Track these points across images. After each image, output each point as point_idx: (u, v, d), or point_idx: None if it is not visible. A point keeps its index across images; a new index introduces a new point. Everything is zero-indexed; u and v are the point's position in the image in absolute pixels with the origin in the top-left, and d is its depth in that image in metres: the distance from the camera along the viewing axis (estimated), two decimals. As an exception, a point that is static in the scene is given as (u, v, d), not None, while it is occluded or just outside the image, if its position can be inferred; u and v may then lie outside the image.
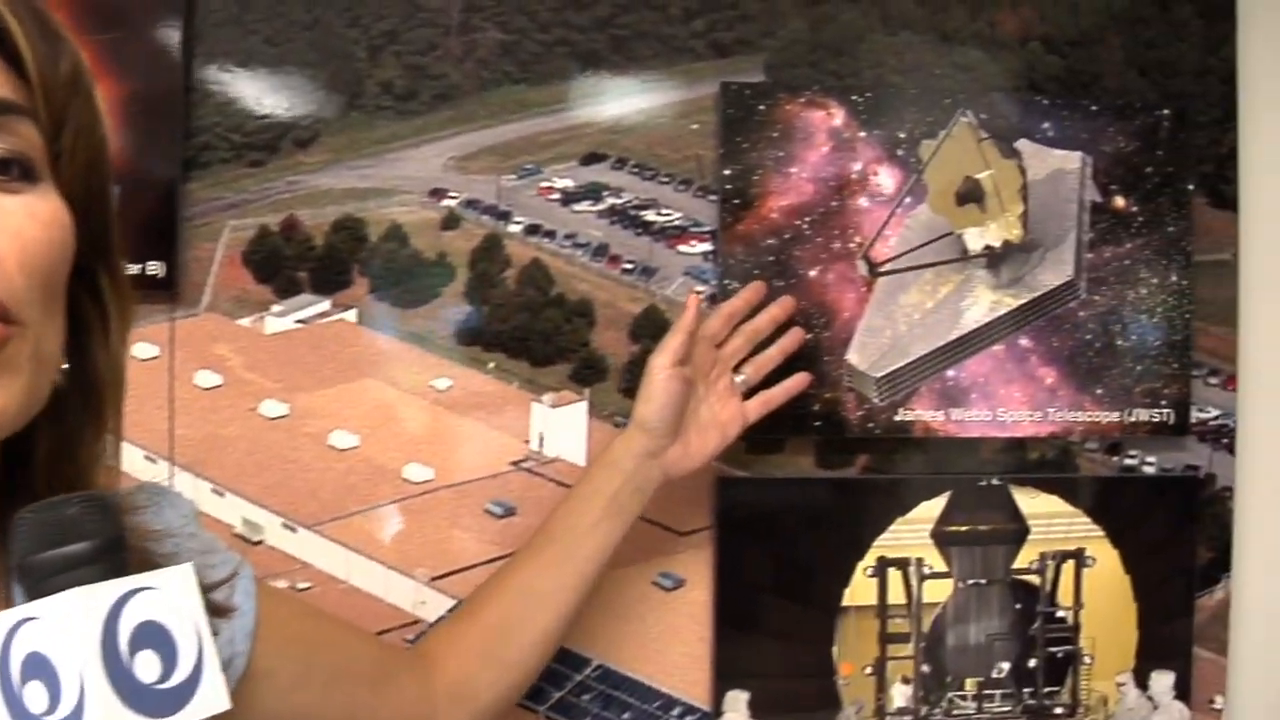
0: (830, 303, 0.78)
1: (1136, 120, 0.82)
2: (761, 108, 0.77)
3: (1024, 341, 0.80)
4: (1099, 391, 0.81)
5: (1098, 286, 0.82)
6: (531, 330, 0.75)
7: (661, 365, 0.62)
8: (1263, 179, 0.86)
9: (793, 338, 0.73)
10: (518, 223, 0.76)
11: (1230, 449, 0.86)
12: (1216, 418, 0.85)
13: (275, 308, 0.70)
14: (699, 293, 0.73)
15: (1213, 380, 0.86)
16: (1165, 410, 0.82)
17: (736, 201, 0.76)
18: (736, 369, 0.69)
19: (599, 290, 0.77)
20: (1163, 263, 0.82)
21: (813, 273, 0.77)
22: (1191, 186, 0.83)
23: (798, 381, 0.72)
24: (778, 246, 0.77)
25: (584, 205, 0.77)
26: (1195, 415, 0.84)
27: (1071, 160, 0.81)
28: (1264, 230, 0.86)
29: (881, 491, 0.79)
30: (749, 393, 0.69)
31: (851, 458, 0.80)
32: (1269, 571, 0.85)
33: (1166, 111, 0.82)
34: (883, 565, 0.77)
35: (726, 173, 0.76)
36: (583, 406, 0.74)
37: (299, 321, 0.70)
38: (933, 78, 0.81)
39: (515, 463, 0.73)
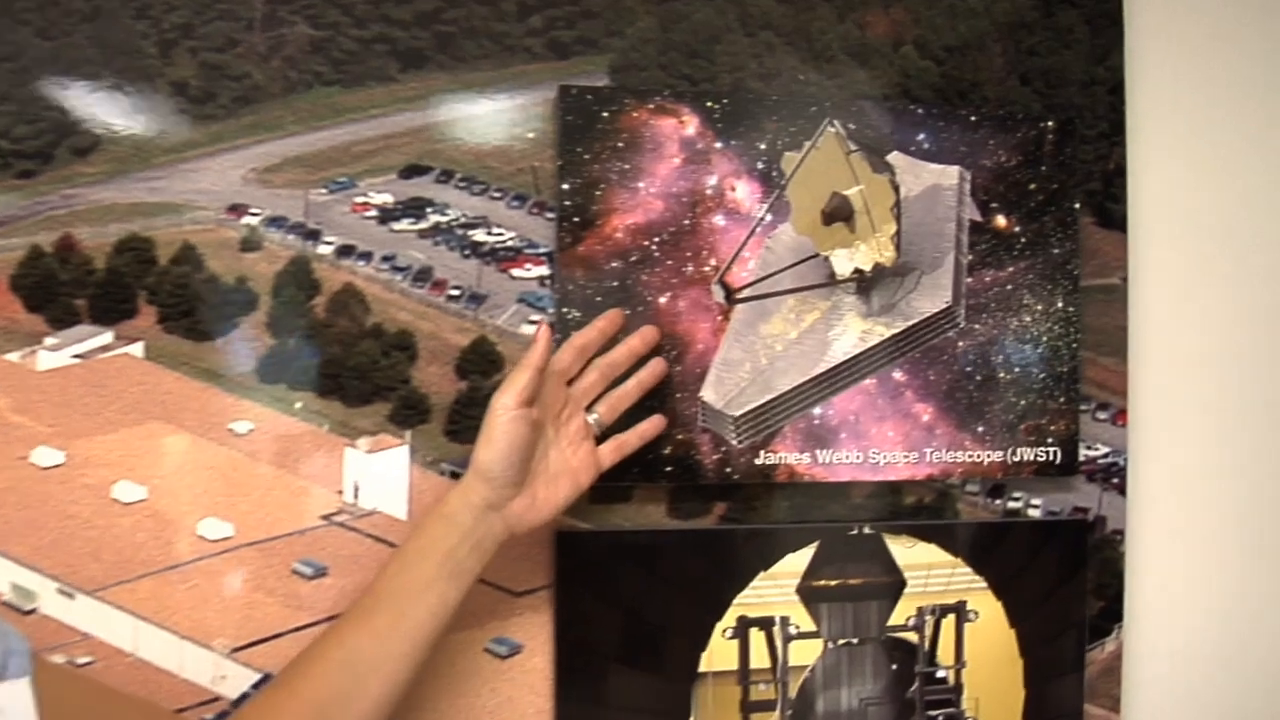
0: (682, 333, 0.81)
1: (1019, 132, 0.89)
2: (605, 114, 0.80)
3: (898, 375, 0.86)
4: (980, 429, 0.88)
5: (978, 314, 0.88)
6: (344, 365, 0.78)
7: (506, 405, 0.65)
8: (1152, 197, 0.93)
9: (652, 371, 0.76)
10: (328, 243, 0.79)
11: (1121, 489, 0.93)
12: (1106, 455, 0.93)
13: (49, 340, 0.71)
14: (548, 323, 0.75)
15: (1101, 415, 0.94)
16: (1051, 448, 0.91)
17: (576, 220, 0.80)
18: (589, 408, 0.73)
19: (421, 320, 0.80)
20: (1048, 287, 0.90)
21: (662, 299, 0.81)
22: (1078, 205, 0.90)
23: (654, 425, 0.76)
24: (623, 270, 0.81)
25: (404, 223, 0.81)
26: (1084, 453, 0.91)
27: (949, 175, 0.87)
28: (1154, 252, 0.93)
29: (741, 543, 0.83)
30: (603, 435, 0.73)
31: (707, 506, 0.84)
32: (1163, 621, 0.91)
33: (1051, 123, 0.90)
34: (744, 625, 0.82)
35: (565, 187, 0.80)
36: (403, 452, 0.79)
37: (76, 356, 0.72)
38: (796, 83, 0.86)
39: (327, 517, 0.77)
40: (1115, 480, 0.93)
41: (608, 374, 0.74)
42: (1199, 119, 0.97)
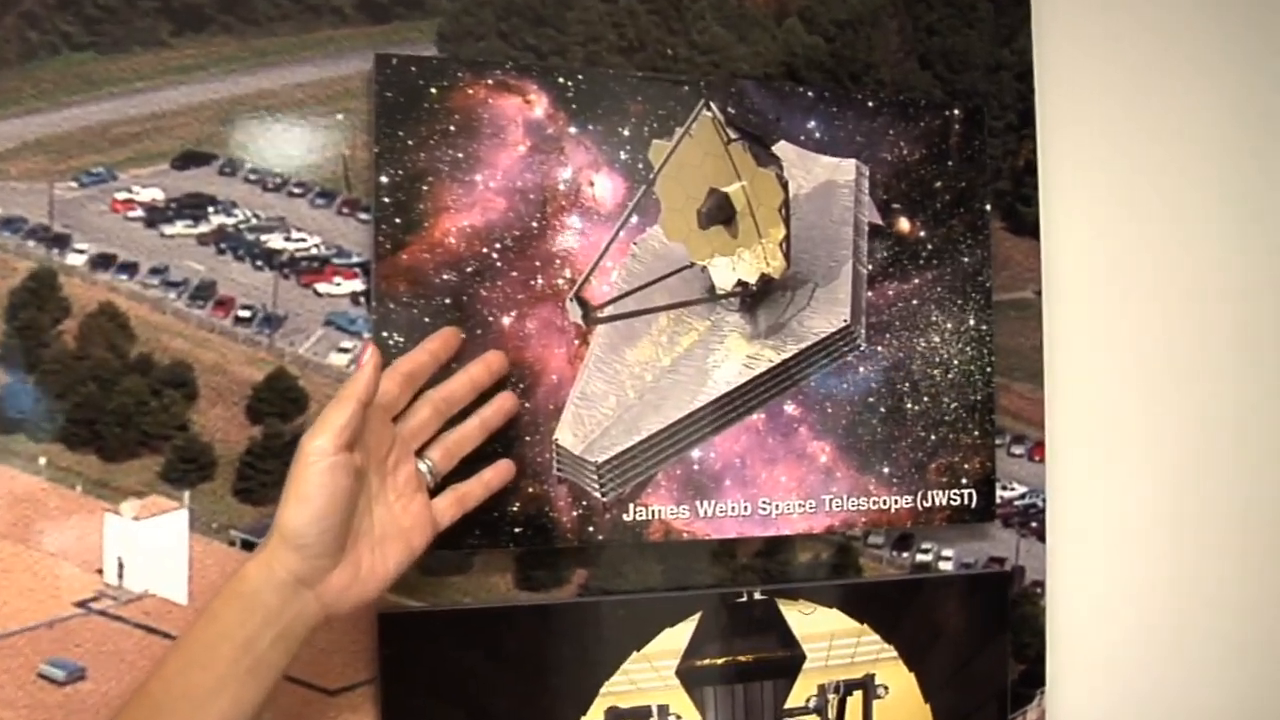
0: (531, 361, 0.88)
1: (921, 121, 1.04)
2: (433, 91, 0.87)
3: (790, 408, 0.97)
4: (885, 470, 1.01)
5: (880, 334, 1.01)
6: (102, 409, 0.81)
7: (322, 449, 0.67)
8: (1066, 198, 1.09)
9: (499, 408, 0.83)
10: (80, 251, 0.82)
11: (1041, 534, 1.09)
12: (1024, 496, 1.09)
13: None
14: (373, 343, 0.77)
15: (1017, 450, 1.10)
16: (965, 490, 1.05)
17: (398, 221, 0.86)
18: (420, 453, 0.77)
19: (202, 349, 0.84)
20: (958, 302, 1.05)
21: (506, 320, 0.88)
22: (989, 207, 1.06)
23: (500, 472, 0.82)
24: (457, 283, 0.87)
25: (179, 226, 0.84)
26: (999, 494, 1.06)
27: (844, 170, 1.01)
28: (1068, 261, 1.08)
29: (608, 618, 0.91)
30: (439, 486, 0.78)
31: (565, 574, 0.92)
32: (1089, 683, 1.06)
33: (957, 112, 1.06)
34: (614, 719, 0.90)
35: (384, 181, 0.85)
36: (180, 518, 0.83)
37: None
38: (665, 59, 0.96)
39: (83, 603, 0.80)
40: (1034, 524, 1.09)
41: (443, 410, 0.79)
42: (1116, 109, 1.13)
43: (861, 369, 1.04)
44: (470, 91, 0.92)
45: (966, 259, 1.08)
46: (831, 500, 1.03)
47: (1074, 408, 1.14)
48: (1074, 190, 1.14)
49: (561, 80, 0.94)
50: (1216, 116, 1.20)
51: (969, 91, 1.10)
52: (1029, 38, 1.11)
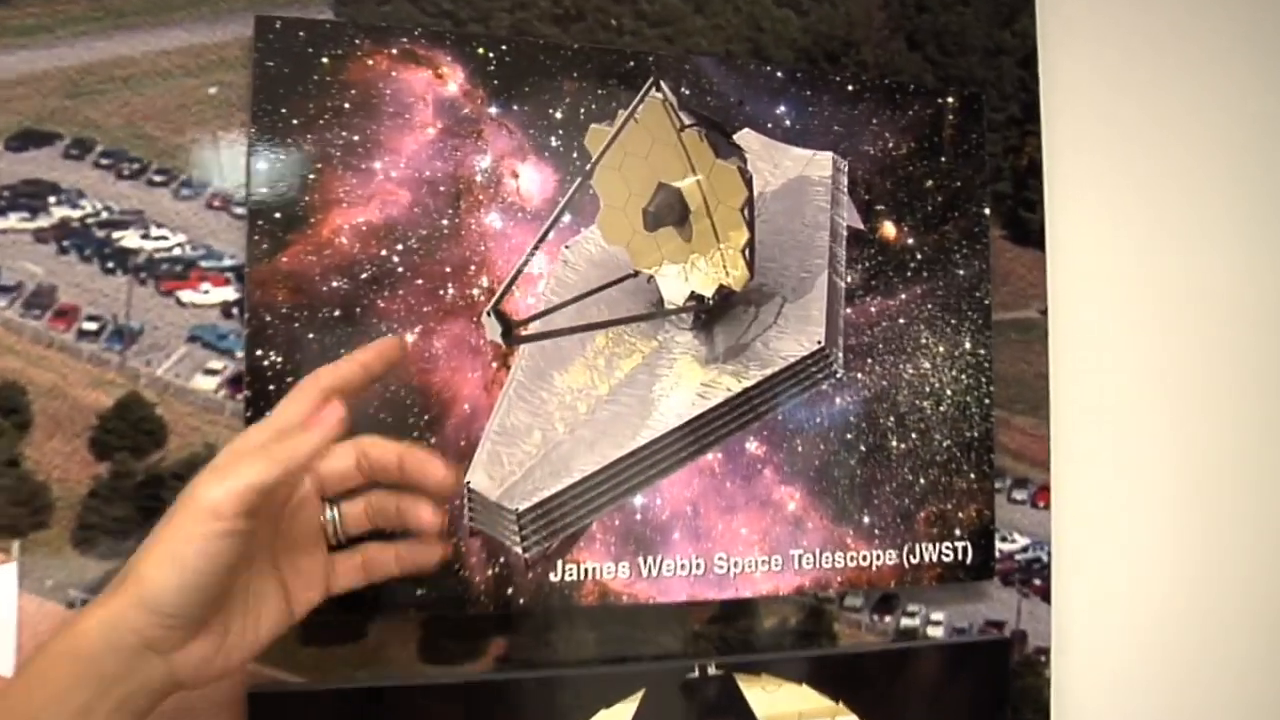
0: (439, 388, 0.82)
1: (910, 110, 0.97)
2: (325, 61, 0.80)
3: (752, 446, 0.90)
4: (866, 520, 0.92)
5: (861, 358, 0.94)
6: None
7: (218, 512, 0.57)
8: (1075, 203, 1.01)
9: (427, 469, 0.65)
10: None
11: (1045, 594, 1.01)
12: (1026, 549, 1.01)
13: None
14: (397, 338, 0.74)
15: (1019, 495, 1.02)
16: (959, 543, 0.97)
17: (279, 217, 0.79)
18: (330, 499, 0.67)
19: (37, 367, 0.77)
20: (952, 322, 0.97)
21: (409, 337, 0.82)
22: (987, 211, 1.00)
23: (422, 553, 0.69)
24: (350, 293, 0.80)
25: (13, 219, 0.78)
26: (998, 547, 0.98)
27: (819, 164, 0.93)
28: (1079, 276, 1.01)
29: (531, 698, 0.83)
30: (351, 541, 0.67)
31: (480, 645, 0.84)
32: None
33: (950, 100, 0.99)
34: None
35: (263, 168, 0.79)
36: (8, 573, 0.76)
37: None
38: (608, 30, 0.90)
39: None
40: (1038, 582, 1.01)
41: (372, 454, 0.67)
42: (1132, 102, 1.06)
43: (838, 400, 0.96)
44: (370, 62, 0.84)
45: (962, 271, 1.01)
46: (801, 556, 0.94)
47: (1084, 446, 1.06)
48: (1084, 194, 1.07)
49: (482, 51, 0.86)
50: (1247, 109, 1.13)
51: (965, 78, 1.03)
52: (1033, 18, 1.04)
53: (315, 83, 0.81)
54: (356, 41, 0.83)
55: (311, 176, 0.81)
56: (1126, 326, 1.08)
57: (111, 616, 0.58)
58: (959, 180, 1.00)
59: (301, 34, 0.80)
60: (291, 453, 0.59)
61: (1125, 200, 1.08)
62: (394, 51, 0.84)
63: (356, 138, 0.83)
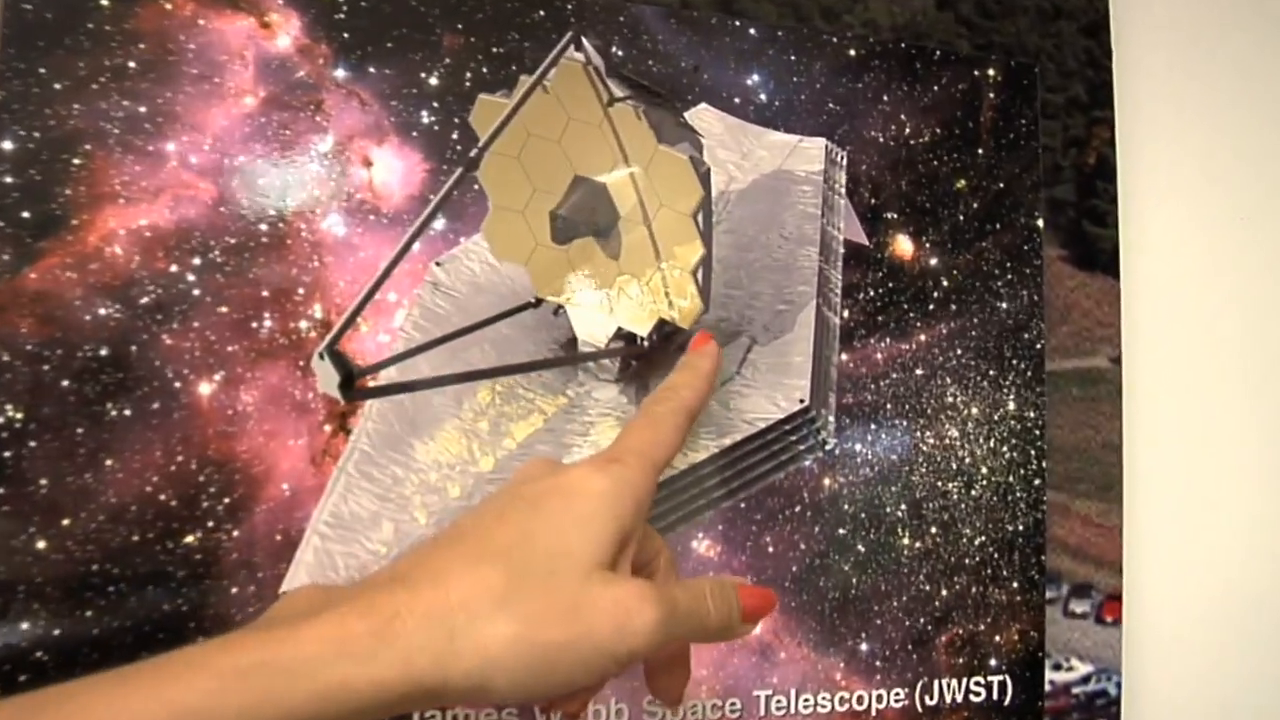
0: (246, 459, 0.68)
1: (936, 84, 0.82)
2: (103, 4, 0.67)
3: (702, 547, 0.75)
4: (862, 647, 0.77)
5: (862, 423, 0.79)
6: None
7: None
8: (1160, 216, 0.88)
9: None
10: None
11: None
12: (1088, 679, 0.83)
13: None
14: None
15: (1079, 607, 0.83)
16: (996, 676, 0.80)
17: (27, 216, 0.66)
18: None
19: None
20: (990, 374, 0.82)
21: (203, 387, 0.67)
22: (1040, 223, 0.85)
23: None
24: (122, 324, 0.66)
25: None
26: (1049, 678, 0.82)
27: (807, 154, 0.78)
28: (1164, 312, 0.88)
29: None
30: None
31: None
32: None
33: (992, 73, 0.83)
34: None
35: (7, 148, 0.66)
36: None
37: None
38: None
39: None
40: None
41: None
42: (1235, 80, 0.94)
43: (828, 481, 0.79)
44: (169, 6, 0.68)
45: (1005, 305, 0.85)
46: (770, 698, 0.76)
47: (1168, 540, 0.90)
48: (1172, 203, 0.91)
49: None
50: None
51: (1011, 45, 0.87)
52: None
53: (89, 33, 0.67)
54: None
55: (76, 161, 0.67)
56: (1227, 381, 0.94)
57: (398, 681, 0.45)
58: (1002, 181, 0.84)
59: (68, -34, 0.65)
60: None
61: (1227, 213, 0.94)
62: None
63: (143, 109, 0.68)
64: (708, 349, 0.65)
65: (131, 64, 0.68)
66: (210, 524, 0.68)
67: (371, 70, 0.73)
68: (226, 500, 0.69)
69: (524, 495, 0.52)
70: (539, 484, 0.53)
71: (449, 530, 0.52)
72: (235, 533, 0.69)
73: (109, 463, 0.67)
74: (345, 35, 0.72)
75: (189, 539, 0.68)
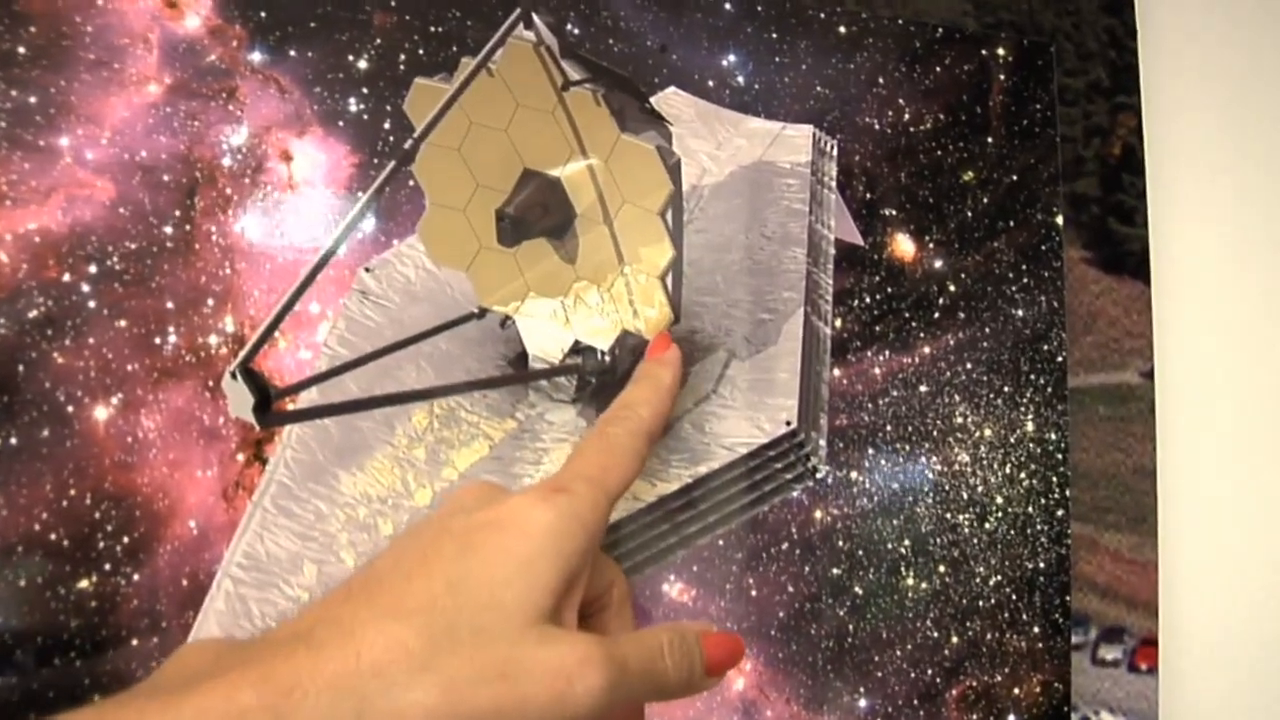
0: (148, 493, 0.64)
1: (939, 65, 0.78)
2: None
3: (674, 591, 0.70)
4: (860, 703, 0.73)
5: (857, 448, 0.74)
6: None
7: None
8: (1194, 208, 0.85)
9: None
10: None
11: None
12: None
13: None
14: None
15: (1110, 653, 0.79)
16: None
17: None
18: None
19: None
20: (1005, 390, 0.77)
21: (100, 411, 0.64)
22: (1060, 221, 0.80)
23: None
24: (8, 341, 0.64)
25: None
26: None
27: (793, 143, 0.74)
28: (1201, 320, 0.85)
29: None
30: None
31: None
32: None
33: (1002, 53, 0.79)
34: None
35: None
36: None
37: None
38: None
39: None
40: None
41: None
42: (1274, 61, 0.90)
43: (819, 513, 0.73)
44: None
45: (1021, 312, 0.79)
46: None
47: (1209, 577, 0.83)
48: (1208, 197, 0.85)
49: None
50: None
51: (1023, 24, 0.82)
52: None
53: None
54: None
55: None
56: (1274, 398, 0.89)
57: None
58: (1015, 173, 0.80)
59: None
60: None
61: (1268, 209, 0.89)
62: None
63: (33, 99, 0.65)
64: (668, 357, 0.60)
65: (20, 50, 0.65)
66: (107, 567, 0.64)
67: (292, 53, 0.69)
68: (125, 540, 0.65)
69: (454, 530, 0.46)
70: (473, 517, 0.47)
71: (365, 573, 0.46)
72: (136, 576, 0.65)
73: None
74: (262, 14, 0.68)
75: (83, 584, 0.63)
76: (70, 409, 0.64)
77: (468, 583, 0.44)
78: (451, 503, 0.50)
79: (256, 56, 0.68)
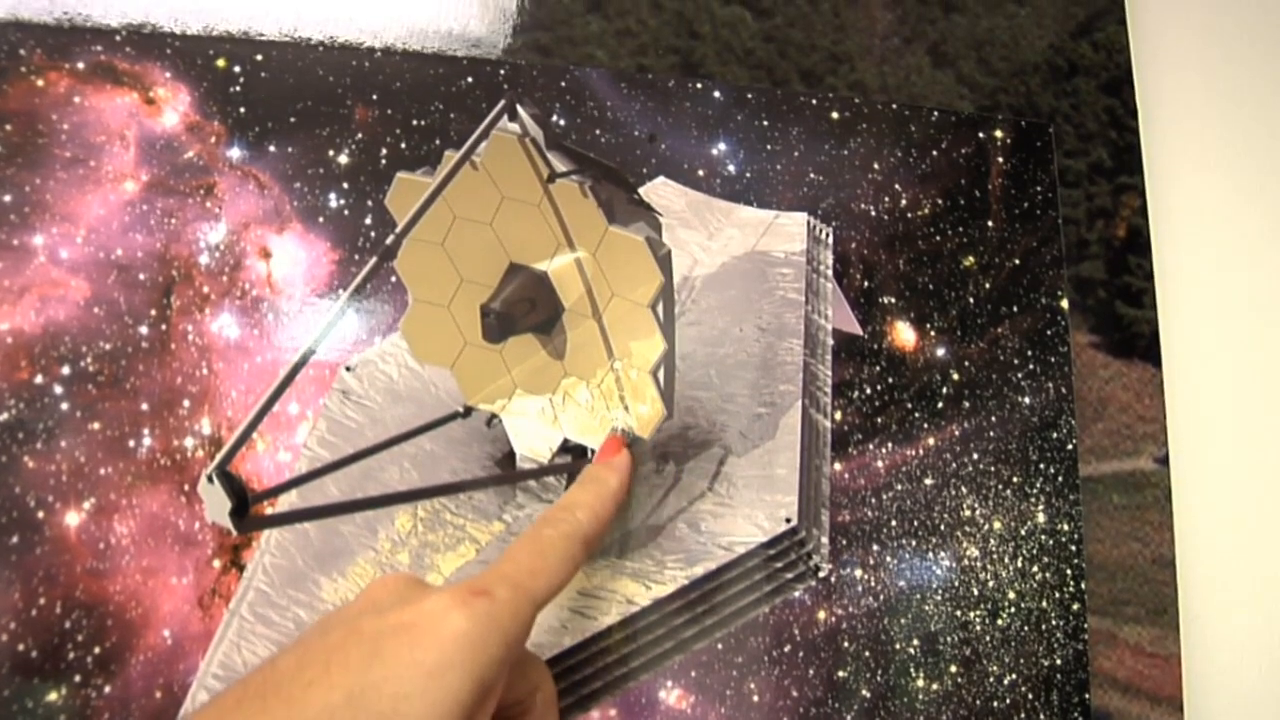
0: (120, 603, 0.62)
1: (936, 148, 0.77)
2: None
3: (671, 698, 0.68)
4: None
5: (860, 546, 0.72)
6: None
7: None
8: (1203, 289, 0.83)
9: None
10: None
11: None
12: None
13: None
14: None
15: None
16: None
17: None
18: None
19: None
20: (1014, 481, 0.75)
21: (70, 517, 0.62)
22: (1066, 304, 0.78)
23: None
24: None
25: None
26: None
27: (786, 231, 0.73)
28: (1214, 404, 0.82)
29: None
30: None
31: None
32: None
33: (1000, 135, 0.78)
34: None
35: None
36: None
37: None
38: (443, 35, 0.72)
39: None
40: None
41: None
42: (1277, 134, 0.86)
43: (822, 614, 0.70)
44: (40, 83, 0.65)
45: (1028, 400, 0.76)
46: None
47: (1235, 669, 0.80)
48: (1218, 278, 0.83)
49: (223, 62, 0.67)
50: None
51: (1021, 106, 0.80)
52: (1123, 23, 0.82)
53: None
54: (21, 51, 0.65)
55: None
56: None
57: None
58: (1018, 257, 0.78)
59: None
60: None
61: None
62: (80, 66, 0.66)
63: (8, 198, 0.64)
64: (617, 461, 0.58)
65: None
66: (77, 678, 0.61)
67: (271, 149, 0.68)
68: (97, 650, 0.62)
69: (363, 632, 0.43)
70: (385, 618, 0.44)
71: (265, 672, 0.43)
72: (107, 689, 0.62)
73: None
74: (241, 110, 0.68)
75: (52, 696, 0.60)
76: (40, 514, 0.62)
77: (369, 696, 0.41)
78: (365, 597, 0.47)
79: (235, 152, 0.67)
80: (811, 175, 0.74)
